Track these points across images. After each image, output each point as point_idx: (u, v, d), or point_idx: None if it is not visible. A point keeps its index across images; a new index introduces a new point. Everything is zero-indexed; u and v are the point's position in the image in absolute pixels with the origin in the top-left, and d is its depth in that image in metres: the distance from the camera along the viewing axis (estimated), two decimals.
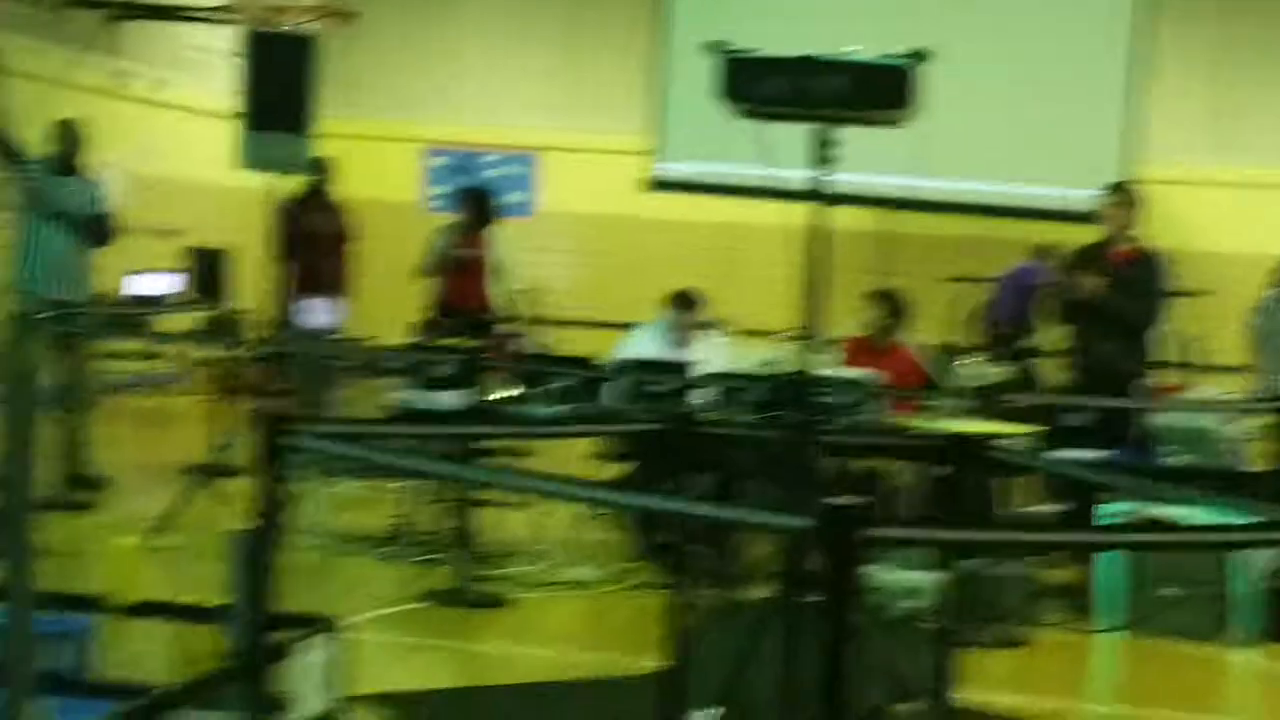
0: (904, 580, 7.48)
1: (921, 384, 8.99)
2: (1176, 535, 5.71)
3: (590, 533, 8.66)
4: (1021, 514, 8.73)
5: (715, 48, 5.40)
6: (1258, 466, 9.26)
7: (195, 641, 5.32)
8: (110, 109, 14.70)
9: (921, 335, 9.56)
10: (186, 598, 5.70)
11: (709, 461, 7.03)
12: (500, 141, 17.81)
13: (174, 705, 4.51)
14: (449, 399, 8.41)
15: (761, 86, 5.36)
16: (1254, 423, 9.74)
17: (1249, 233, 15.14)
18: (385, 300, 12.78)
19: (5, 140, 9.66)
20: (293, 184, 11.28)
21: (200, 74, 16.08)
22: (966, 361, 9.67)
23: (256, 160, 9.95)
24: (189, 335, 13.46)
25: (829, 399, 7.51)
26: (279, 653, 4.80)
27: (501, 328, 11.43)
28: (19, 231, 9.87)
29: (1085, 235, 9.65)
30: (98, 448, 10.05)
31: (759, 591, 7.48)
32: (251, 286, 12.75)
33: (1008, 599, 7.66)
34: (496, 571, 8.18)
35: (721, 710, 5.19)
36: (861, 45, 5.37)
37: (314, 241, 11.66)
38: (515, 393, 8.63)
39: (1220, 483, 7.75)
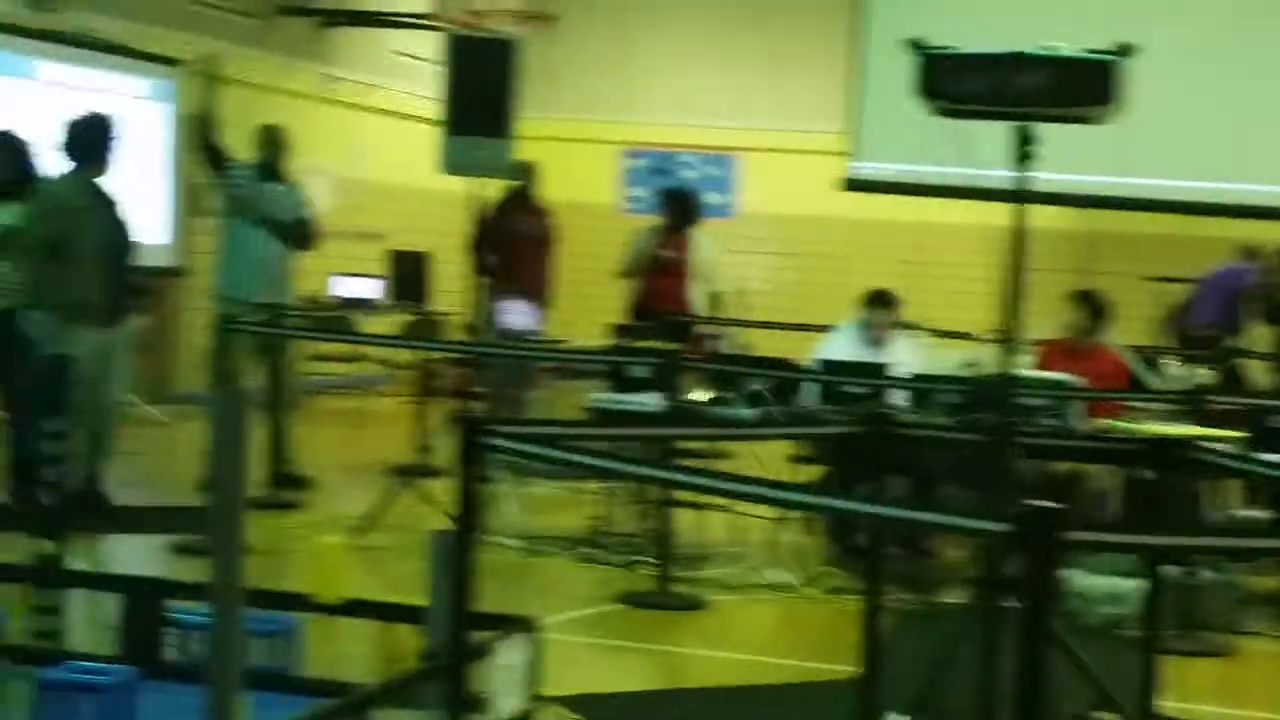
0: (1104, 586, 7.36)
1: (1125, 386, 8.83)
2: None
3: (788, 536, 8.62)
4: (1227, 519, 8.54)
5: (913, 45, 5.33)
6: None
7: (396, 640, 5.40)
8: (318, 114, 15.03)
9: (1122, 337, 9.38)
10: (389, 597, 5.79)
11: (906, 464, 7.00)
12: (697, 142, 17.85)
13: (374, 704, 4.57)
14: (646, 400, 8.43)
15: (961, 84, 5.28)
16: None
17: None
18: (582, 301, 12.86)
19: (212, 147, 9.90)
20: (497, 188, 11.41)
21: (405, 79, 16.35)
22: (1171, 363, 9.49)
23: (458, 164, 10.11)
24: (392, 337, 13.66)
25: (1028, 401, 7.41)
26: (478, 652, 4.84)
27: (700, 329, 11.42)
28: (224, 236, 10.11)
29: None
30: (302, 448, 10.25)
31: (955, 596, 7.42)
32: (453, 289, 12.92)
33: (1212, 606, 7.50)
34: (694, 574, 8.18)
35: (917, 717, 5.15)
36: (1064, 40, 5.28)
37: (515, 244, 11.76)
38: (713, 395, 8.62)
39: None
